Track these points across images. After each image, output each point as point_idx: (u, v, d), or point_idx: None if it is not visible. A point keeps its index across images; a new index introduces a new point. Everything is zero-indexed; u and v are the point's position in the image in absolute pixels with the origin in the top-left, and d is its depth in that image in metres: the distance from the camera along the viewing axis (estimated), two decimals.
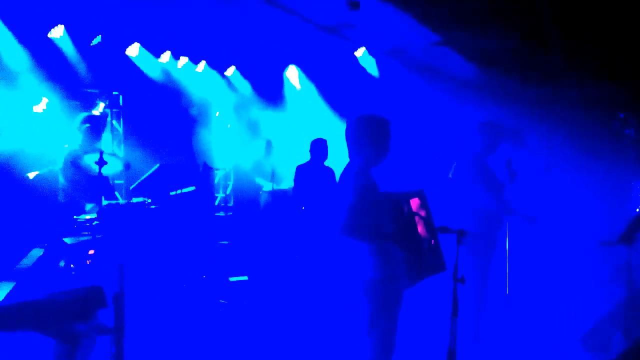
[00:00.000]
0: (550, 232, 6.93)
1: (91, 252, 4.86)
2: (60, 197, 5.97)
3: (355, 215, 3.47)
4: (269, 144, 9.31)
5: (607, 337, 5.15)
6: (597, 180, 7.74)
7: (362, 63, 9.11)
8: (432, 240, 3.59)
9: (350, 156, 3.69)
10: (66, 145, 6.10)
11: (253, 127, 10.04)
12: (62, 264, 4.70)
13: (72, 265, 4.56)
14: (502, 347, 5.09)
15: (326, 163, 7.28)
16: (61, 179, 5.98)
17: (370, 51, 8.92)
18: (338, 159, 5.70)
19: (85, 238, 5.04)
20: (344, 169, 3.71)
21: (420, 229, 3.54)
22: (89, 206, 5.76)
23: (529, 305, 6.17)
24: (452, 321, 3.27)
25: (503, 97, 8.16)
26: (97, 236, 5.12)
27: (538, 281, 6.70)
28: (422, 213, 3.52)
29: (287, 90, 10.30)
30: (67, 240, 4.72)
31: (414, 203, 3.52)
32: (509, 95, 8.21)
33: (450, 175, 5.50)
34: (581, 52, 7.30)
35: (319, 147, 7.20)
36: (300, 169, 7.20)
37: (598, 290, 6.38)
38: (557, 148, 5.12)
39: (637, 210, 6.73)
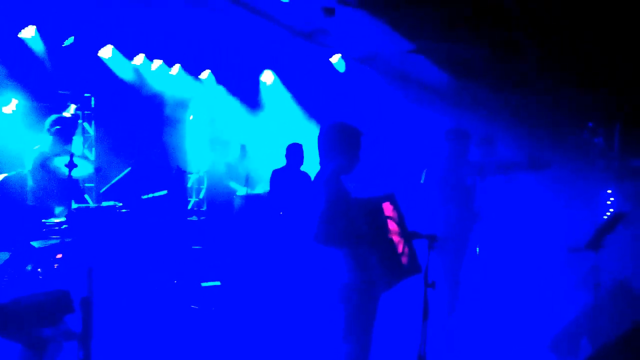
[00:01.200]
0: (519, 238, 7.03)
1: (59, 256, 4.78)
2: (29, 200, 5.86)
3: (327, 222, 3.49)
4: (243, 148, 9.30)
5: (574, 341, 5.24)
6: (566, 187, 7.88)
7: (338, 69, 9.15)
8: (406, 244, 3.61)
9: (321, 163, 3.71)
10: (36, 147, 6.00)
11: (227, 131, 10.01)
12: (29, 268, 4.62)
13: (39, 270, 4.48)
14: (471, 351, 5.14)
15: (302, 168, 7.27)
16: (30, 182, 5.88)
17: (346, 58, 8.97)
18: (314, 164, 5.72)
19: (53, 242, 4.96)
20: (315, 176, 3.73)
21: (394, 232, 3.56)
22: (58, 209, 5.67)
23: (498, 310, 6.24)
24: (423, 326, 3.30)
25: (474, 105, 8.27)
26: (65, 240, 5.04)
27: (507, 286, 6.79)
28: (395, 217, 3.55)
29: (262, 95, 10.28)
30: (35, 244, 4.63)
31: (386, 207, 3.55)
32: (480, 102, 8.32)
33: (422, 181, 5.56)
34: (551, 61, 7.43)
35: (294, 152, 7.19)
36: (276, 174, 7.18)
37: (566, 295, 6.49)
38: (526, 156, 5.21)
39: (604, 217, 6.87)
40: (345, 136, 3.66)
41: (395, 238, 3.53)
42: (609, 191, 7.85)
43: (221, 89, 9.95)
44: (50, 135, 6.00)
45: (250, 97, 10.04)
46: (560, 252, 6.74)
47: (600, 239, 4.95)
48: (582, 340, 5.19)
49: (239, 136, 9.70)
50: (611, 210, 7.53)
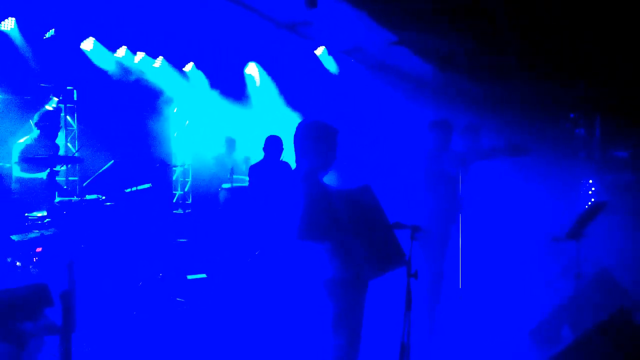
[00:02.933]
0: (501, 227, 7.10)
1: (39, 249, 4.75)
2: (13, 194, 5.83)
3: (308, 218, 3.49)
4: (231, 141, 9.25)
5: (555, 330, 5.31)
6: (548, 177, 7.95)
7: (322, 62, 9.14)
8: (388, 235, 3.62)
9: (297, 160, 3.71)
10: (21, 141, 5.97)
11: (213, 124, 9.97)
12: (9, 260, 4.59)
13: (18, 263, 4.45)
14: (454, 340, 5.19)
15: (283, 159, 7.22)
16: (16, 174, 5.85)
17: (330, 50, 8.96)
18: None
19: (33, 235, 4.93)
20: (291, 173, 3.73)
21: (374, 223, 3.58)
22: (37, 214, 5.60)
23: (481, 299, 6.30)
24: (406, 316, 3.32)
25: (457, 96, 8.31)
26: (45, 233, 5.01)
27: (490, 276, 6.85)
28: (373, 207, 3.56)
29: (247, 88, 10.25)
30: (15, 237, 4.60)
31: (364, 198, 3.56)
32: (464, 94, 8.37)
33: (405, 173, 5.59)
34: (534, 53, 7.48)
35: (273, 144, 7.11)
36: (253, 169, 7.10)
37: (548, 284, 6.57)
38: (506, 142, 5.27)
39: (586, 207, 6.94)
40: (321, 135, 3.66)
41: (377, 229, 3.55)
42: (590, 181, 7.94)
43: (205, 82, 9.90)
44: (37, 129, 6.00)
45: (234, 89, 10.00)
46: (542, 242, 6.82)
47: (581, 228, 5.01)
48: (563, 329, 5.27)
49: (224, 129, 9.67)
50: (592, 199, 7.62)
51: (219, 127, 9.81)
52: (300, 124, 3.71)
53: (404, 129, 8.10)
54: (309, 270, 3.63)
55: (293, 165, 3.80)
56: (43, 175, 5.61)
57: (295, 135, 3.69)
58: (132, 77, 8.74)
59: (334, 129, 3.70)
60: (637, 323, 4.07)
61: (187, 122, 10.34)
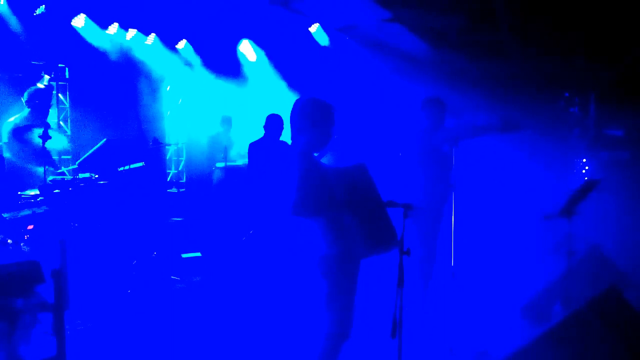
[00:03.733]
0: (495, 205, 7.12)
1: (30, 227, 4.74)
2: (4, 172, 5.80)
3: (303, 194, 3.49)
4: (227, 119, 9.18)
5: (547, 307, 5.36)
6: (542, 156, 7.96)
7: (316, 38, 9.07)
8: (381, 213, 3.63)
9: (292, 137, 3.70)
10: (11, 120, 5.92)
11: (206, 103, 9.91)
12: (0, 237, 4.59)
13: (9, 241, 4.45)
14: (446, 317, 5.24)
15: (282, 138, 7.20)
16: (6, 154, 5.81)
17: (324, 27, 8.88)
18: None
19: (25, 213, 4.92)
20: (286, 150, 3.73)
21: (368, 202, 3.58)
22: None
23: (473, 276, 6.35)
24: (398, 292, 3.34)
25: (451, 74, 8.27)
26: (37, 211, 5.00)
27: (482, 253, 6.90)
28: (367, 186, 3.57)
29: (241, 65, 10.17)
30: (6, 215, 4.59)
31: (358, 176, 3.56)
32: (457, 72, 8.33)
33: (399, 153, 5.58)
34: (528, 31, 7.43)
35: (273, 123, 7.08)
36: (253, 146, 7.09)
37: (539, 261, 6.62)
38: (498, 117, 5.25)
39: (579, 185, 6.96)
40: (318, 112, 3.64)
41: (371, 207, 3.55)
42: (584, 159, 7.96)
43: (198, 60, 9.82)
44: (28, 107, 5.94)
45: (228, 67, 9.92)
46: (535, 219, 6.85)
47: (573, 206, 5.03)
48: (554, 306, 5.32)
49: (218, 107, 9.62)
50: (586, 178, 7.65)
51: (213, 106, 9.76)
52: (297, 101, 3.69)
53: (398, 106, 8.08)
54: (302, 247, 3.65)
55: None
56: (39, 146, 5.46)
57: (292, 113, 3.67)
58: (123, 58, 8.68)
59: (331, 107, 3.68)
60: (627, 300, 4.11)
61: (180, 100, 10.27)
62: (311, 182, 3.49)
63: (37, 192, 5.34)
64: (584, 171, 7.88)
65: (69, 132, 8.14)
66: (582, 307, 3.94)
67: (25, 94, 5.98)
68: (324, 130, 3.65)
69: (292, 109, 3.68)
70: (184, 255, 7.21)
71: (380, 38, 8.61)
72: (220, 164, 7.98)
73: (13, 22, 7.43)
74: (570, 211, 4.99)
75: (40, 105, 5.97)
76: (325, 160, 3.73)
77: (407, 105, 7.12)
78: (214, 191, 8.17)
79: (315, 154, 3.64)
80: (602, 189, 5.44)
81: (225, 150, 7.82)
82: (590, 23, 6.86)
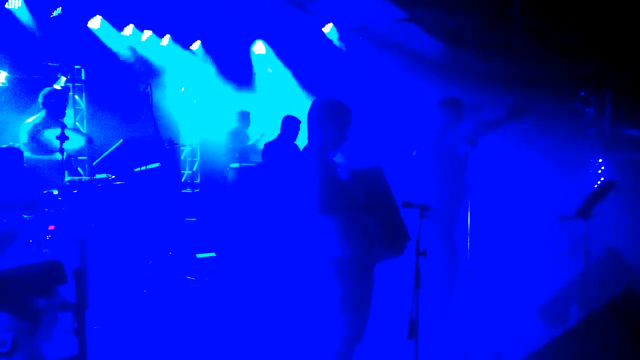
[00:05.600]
0: (511, 206, 7.08)
1: (51, 227, 4.79)
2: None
3: (317, 194, 3.49)
4: (244, 114, 9.16)
5: (564, 308, 5.33)
6: (557, 156, 7.90)
7: (330, 39, 9.08)
8: (396, 214, 3.63)
9: (308, 138, 3.71)
10: (28, 121, 5.98)
11: (220, 103, 9.95)
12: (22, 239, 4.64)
13: (30, 241, 4.50)
14: (463, 318, 5.23)
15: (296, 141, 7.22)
16: (26, 154, 5.87)
17: (338, 27, 8.88)
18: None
19: (44, 213, 4.97)
20: (302, 150, 3.73)
21: (382, 204, 3.59)
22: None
23: (489, 278, 6.32)
24: (414, 293, 3.34)
25: (465, 74, 8.24)
26: (57, 212, 5.05)
27: (498, 254, 6.87)
28: (383, 187, 3.57)
29: (254, 66, 10.20)
30: (26, 215, 4.65)
31: (374, 179, 3.56)
32: (471, 72, 8.29)
33: (414, 153, 5.57)
34: (543, 30, 7.38)
35: (290, 125, 7.09)
36: (268, 147, 7.12)
37: (556, 263, 6.57)
38: (518, 124, 5.21)
39: (595, 185, 6.91)
40: (335, 113, 3.65)
41: (387, 208, 3.56)
42: (600, 160, 7.89)
43: (210, 61, 9.86)
44: (43, 108, 6.00)
45: (242, 67, 9.95)
46: (551, 221, 6.80)
47: (590, 207, 5.00)
48: (571, 308, 5.28)
49: (232, 108, 9.65)
50: (602, 178, 7.58)
51: (227, 106, 9.79)
52: (314, 101, 3.70)
53: (411, 107, 8.06)
54: (316, 248, 3.65)
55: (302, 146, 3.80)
56: (56, 148, 5.52)
57: (309, 112, 3.69)
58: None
59: (348, 108, 3.68)
60: None
61: (195, 100, 10.30)
62: (325, 183, 3.49)
63: (56, 192, 5.39)
64: (599, 171, 7.80)
65: (85, 132, 8.21)
66: (599, 309, 3.92)
67: (40, 95, 6.04)
68: (339, 131, 3.65)
69: (310, 108, 3.69)
70: (199, 256, 7.25)
71: (394, 38, 8.60)
72: (234, 165, 8.02)
73: (30, 23, 7.51)
74: (587, 213, 4.96)
75: (55, 105, 6.02)
76: (337, 160, 3.72)
77: (421, 105, 7.11)
78: (228, 191, 8.21)
79: (329, 154, 3.64)
80: (618, 189, 5.40)
81: (240, 149, 7.84)
82: (605, 21, 6.81)
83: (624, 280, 5.08)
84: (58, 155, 5.51)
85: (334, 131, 3.62)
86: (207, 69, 9.89)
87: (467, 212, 5.23)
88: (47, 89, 6.13)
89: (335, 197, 3.49)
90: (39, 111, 6.08)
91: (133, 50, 8.74)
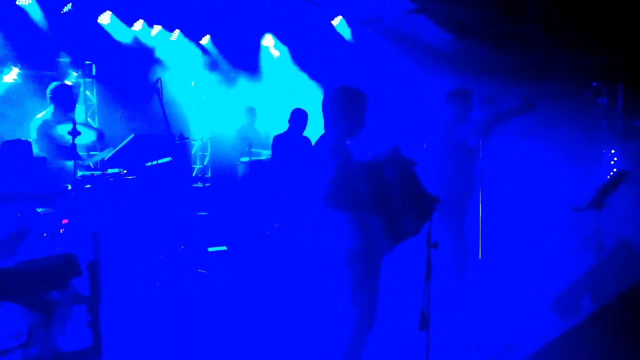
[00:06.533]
0: (523, 198, 7.04)
1: (65, 221, 4.83)
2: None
3: (335, 185, 3.50)
4: (252, 110, 9.21)
5: (576, 300, 5.30)
6: (570, 147, 7.86)
7: (339, 32, 9.05)
8: (410, 203, 3.61)
9: (325, 127, 3.69)
10: (39, 116, 6.01)
11: (231, 97, 9.96)
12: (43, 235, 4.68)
13: (44, 235, 4.54)
14: (475, 310, 5.22)
15: (305, 133, 7.24)
16: (35, 150, 5.90)
17: (347, 20, 8.86)
18: (316, 130, 5.70)
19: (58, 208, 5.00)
20: (319, 140, 3.72)
21: (396, 192, 3.57)
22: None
23: (501, 270, 6.30)
24: (426, 284, 3.34)
25: (477, 66, 8.19)
26: (71, 206, 5.09)
27: (511, 246, 6.84)
28: (398, 173, 3.55)
29: (264, 59, 10.21)
30: (39, 209, 4.68)
31: (389, 167, 3.55)
32: (483, 64, 8.25)
33: (424, 145, 5.55)
34: (555, 21, 7.33)
35: (298, 117, 7.12)
36: (277, 139, 7.15)
37: (569, 255, 6.54)
38: (529, 116, 5.18)
39: (608, 177, 6.86)
40: (350, 100, 3.63)
41: (398, 199, 3.55)
42: (612, 151, 7.83)
43: (221, 54, 9.87)
44: (52, 103, 6.01)
45: (251, 61, 9.96)
46: (564, 212, 6.77)
47: (603, 198, 4.96)
48: (584, 300, 5.25)
49: (242, 101, 9.66)
50: (614, 170, 7.52)
51: (237, 100, 9.81)
52: (329, 89, 3.69)
53: (421, 99, 8.04)
54: (328, 239, 3.65)
55: (313, 140, 3.80)
56: (67, 143, 5.52)
57: (323, 102, 3.67)
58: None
59: (363, 93, 3.66)
60: None
61: (205, 95, 10.32)
62: (341, 175, 3.49)
63: (69, 187, 5.42)
64: (612, 162, 7.75)
65: (97, 127, 8.26)
66: (612, 301, 3.90)
67: (48, 91, 6.04)
68: (356, 119, 3.64)
69: (324, 98, 3.68)
70: (210, 249, 7.28)
71: (403, 30, 8.57)
72: (244, 159, 8.04)
73: (41, 20, 7.55)
74: (600, 203, 4.93)
75: (64, 100, 6.01)
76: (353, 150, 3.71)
77: (431, 97, 7.09)
78: (238, 185, 8.23)
79: (347, 142, 3.63)
80: (631, 180, 5.35)
81: (250, 144, 7.87)
82: (618, 13, 6.74)
83: (636, 273, 5.05)
84: (70, 151, 5.54)
85: (352, 118, 3.61)
86: (217, 63, 9.91)
87: (478, 204, 5.21)
88: (54, 84, 6.11)
89: (348, 190, 3.49)
90: (49, 107, 6.11)
91: (143, 45, 8.77)
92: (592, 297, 5.14)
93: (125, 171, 6.10)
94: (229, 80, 9.88)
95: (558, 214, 7.08)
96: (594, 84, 8.11)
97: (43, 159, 5.53)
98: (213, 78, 10.06)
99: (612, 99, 8.12)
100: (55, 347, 2.95)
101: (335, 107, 3.62)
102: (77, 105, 6.43)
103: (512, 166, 6.97)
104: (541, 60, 8.16)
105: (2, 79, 7.38)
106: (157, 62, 9.07)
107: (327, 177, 3.50)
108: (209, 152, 10.48)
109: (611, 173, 7.20)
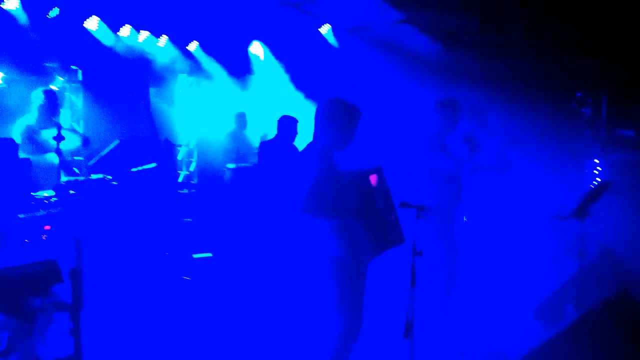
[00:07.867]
0: (507, 206, 7.08)
1: (47, 227, 4.79)
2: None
3: (318, 193, 3.51)
4: (242, 116, 9.18)
5: (559, 308, 5.34)
6: (554, 157, 7.93)
7: (327, 40, 9.08)
8: (392, 214, 3.66)
9: (315, 135, 3.72)
10: (21, 120, 5.97)
11: (218, 104, 9.95)
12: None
13: (26, 240, 4.50)
14: (458, 318, 5.23)
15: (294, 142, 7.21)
16: (20, 154, 5.85)
17: (335, 28, 8.89)
18: (305, 138, 5.70)
19: (40, 213, 4.96)
20: (306, 147, 3.74)
21: (380, 203, 3.61)
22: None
23: (486, 278, 6.33)
24: (410, 292, 3.35)
25: (462, 75, 8.26)
26: (52, 211, 5.05)
27: (494, 254, 6.87)
28: (381, 188, 3.59)
29: (251, 66, 10.21)
30: (21, 215, 4.64)
31: (373, 179, 3.59)
32: (468, 72, 8.32)
33: (411, 154, 5.58)
34: (540, 31, 7.40)
35: (287, 125, 7.06)
36: (264, 146, 7.11)
37: (552, 263, 6.59)
38: (514, 125, 5.22)
39: (591, 186, 6.93)
40: (344, 113, 3.68)
41: (381, 209, 3.58)
42: (596, 160, 7.91)
43: (209, 61, 9.86)
44: (37, 108, 5.98)
45: (239, 68, 9.96)
46: (547, 221, 6.82)
47: (586, 207, 5.01)
48: (567, 308, 5.29)
49: (229, 109, 9.66)
50: (598, 179, 7.60)
51: (224, 106, 9.79)
52: (324, 99, 3.73)
53: (408, 108, 8.07)
54: (313, 247, 3.66)
55: (301, 148, 3.81)
56: (52, 148, 5.49)
57: (318, 110, 3.71)
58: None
59: (357, 109, 3.71)
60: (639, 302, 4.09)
61: (192, 101, 10.30)
62: (328, 183, 3.50)
63: (52, 193, 5.38)
64: (595, 172, 7.83)
65: (82, 132, 8.21)
66: (595, 309, 3.94)
67: (32, 95, 6.01)
68: (347, 132, 3.67)
69: (318, 107, 3.71)
70: (195, 256, 7.24)
71: (391, 39, 8.62)
72: (231, 165, 8.02)
73: (27, 24, 7.50)
74: (583, 213, 4.97)
75: (48, 105, 5.97)
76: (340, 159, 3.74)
77: (419, 106, 7.13)
78: (224, 192, 8.21)
79: (334, 153, 3.65)
80: (614, 190, 5.41)
81: (238, 150, 7.85)
82: (602, 23, 6.83)
83: (619, 281, 5.10)
84: (54, 157, 5.50)
85: (342, 131, 3.64)
86: (203, 70, 9.90)
87: (463, 213, 5.24)
88: (39, 89, 6.09)
89: (333, 198, 3.50)
90: (34, 112, 6.06)
91: (130, 50, 8.74)
92: (575, 304, 5.17)
93: (110, 177, 6.07)
94: (218, 86, 9.87)
95: (542, 222, 7.14)
96: (578, 94, 8.21)
97: (27, 160, 5.48)
98: (200, 83, 10.04)
99: (596, 108, 8.21)
100: (36, 356, 2.92)
101: (329, 117, 3.66)
102: (62, 110, 6.37)
103: (496, 174, 7.01)
104: (527, 69, 8.25)
105: None
106: (144, 68, 9.03)
107: (312, 183, 3.51)
108: (195, 158, 10.44)
109: (595, 182, 7.27)
